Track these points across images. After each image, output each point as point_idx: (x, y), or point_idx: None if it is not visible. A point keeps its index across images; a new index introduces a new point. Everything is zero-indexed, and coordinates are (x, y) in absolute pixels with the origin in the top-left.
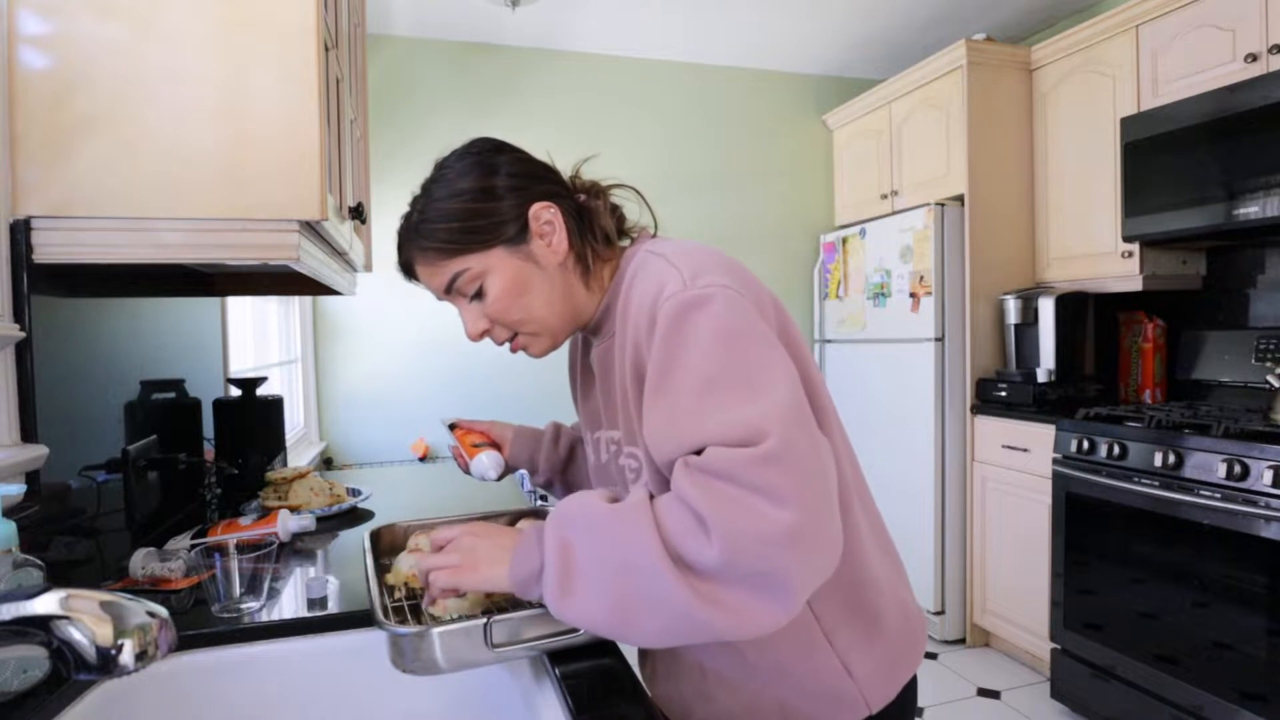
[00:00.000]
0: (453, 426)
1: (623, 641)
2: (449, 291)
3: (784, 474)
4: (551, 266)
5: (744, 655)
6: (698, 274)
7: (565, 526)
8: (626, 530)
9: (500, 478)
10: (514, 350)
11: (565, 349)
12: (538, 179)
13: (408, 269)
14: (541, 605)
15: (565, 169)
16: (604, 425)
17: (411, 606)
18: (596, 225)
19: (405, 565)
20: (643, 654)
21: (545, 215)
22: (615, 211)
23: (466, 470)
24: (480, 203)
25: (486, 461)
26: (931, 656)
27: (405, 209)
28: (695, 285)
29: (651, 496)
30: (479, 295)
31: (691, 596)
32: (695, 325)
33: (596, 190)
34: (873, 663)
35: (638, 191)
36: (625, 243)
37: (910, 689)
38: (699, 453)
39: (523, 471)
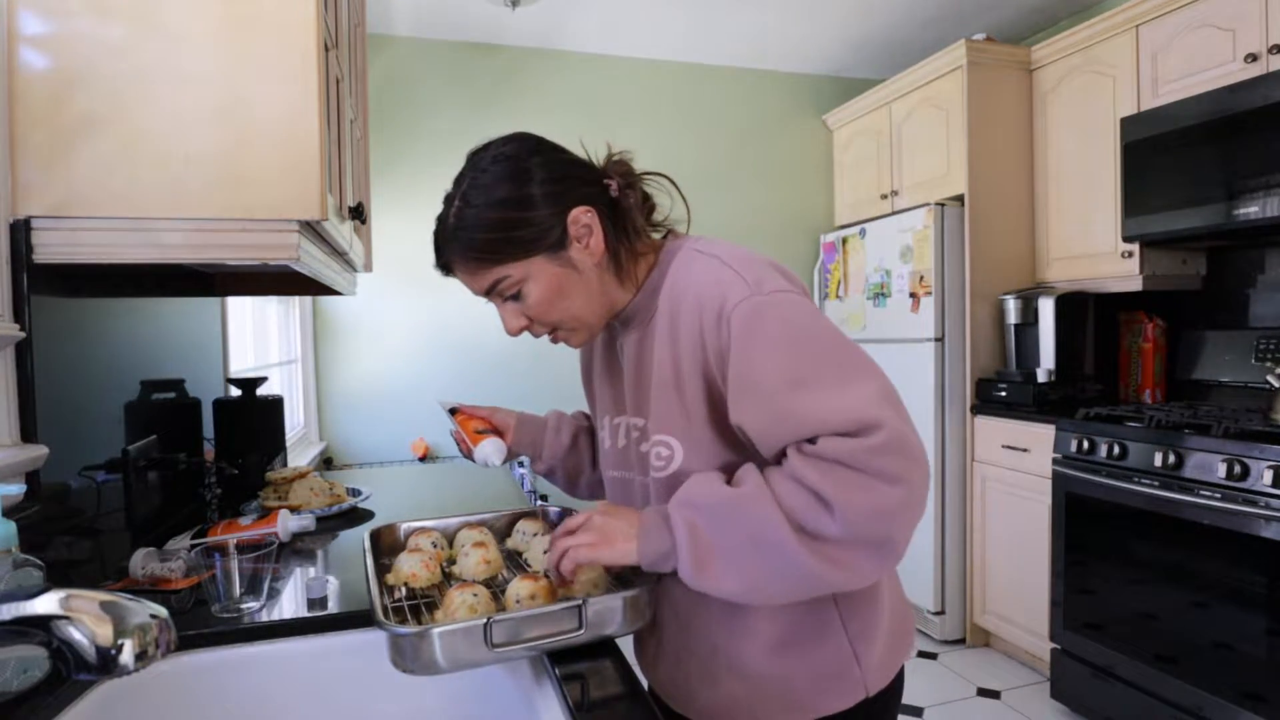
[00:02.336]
0: (454, 411)
1: (747, 603)
2: (488, 294)
3: (896, 459)
4: (589, 268)
5: (763, 637)
6: (760, 280)
7: (690, 509)
8: (755, 510)
9: (503, 463)
10: (554, 342)
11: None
12: (574, 181)
13: (446, 269)
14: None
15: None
16: (627, 411)
17: (411, 607)
18: (630, 222)
19: (406, 565)
20: (641, 638)
21: (584, 219)
22: (647, 201)
23: (468, 455)
24: (519, 212)
25: (490, 448)
26: (931, 656)
27: (440, 208)
28: (763, 291)
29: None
30: (517, 297)
31: (817, 560)
32: (777, 329)
33: (629, 178)
34: (876, 649)
35: (672, 181)
36: (657, 235)
37: (901, 675)
38: (811, 440)
39: (521, 471)
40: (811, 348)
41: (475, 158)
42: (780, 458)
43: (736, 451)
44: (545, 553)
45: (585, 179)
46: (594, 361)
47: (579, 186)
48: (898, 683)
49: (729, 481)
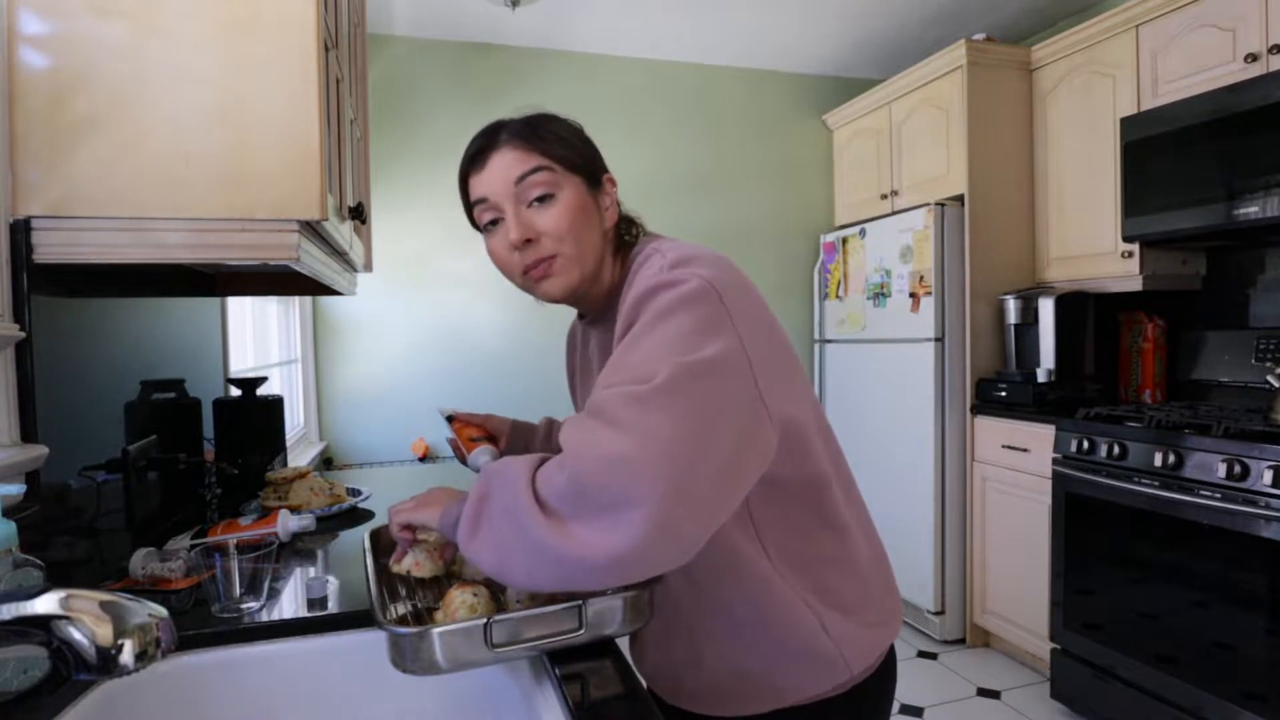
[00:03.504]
0: (450, 419)
1: (501, 579)
2: (520, 181)
3: (644, 413)
4: (605, 224)
5: (730, 615)
6: (678, 263)
7: (488, 478)
8: (514, 474)
9: None
10: (538, 277)
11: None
12: (601, 161)
13: (483, 152)
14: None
15: None
16: None
17: (412, 606)
18: (626, 230)
19: (410, 555)
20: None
21: (609, 187)
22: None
23: (463, 460)
24: (574, 138)
25: (483, 456)
26: (931, 656)
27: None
28: (670, 272)
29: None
30: (543, 200)
31: (550, 531)
32: (655, 302)
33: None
34: (849, 625)
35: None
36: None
37: (891, 661)
38: None
39: None
40: (670, 321)
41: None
42: None
43: None
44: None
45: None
46: (578, 364)
47: (604, 169)
48: (889, 667)
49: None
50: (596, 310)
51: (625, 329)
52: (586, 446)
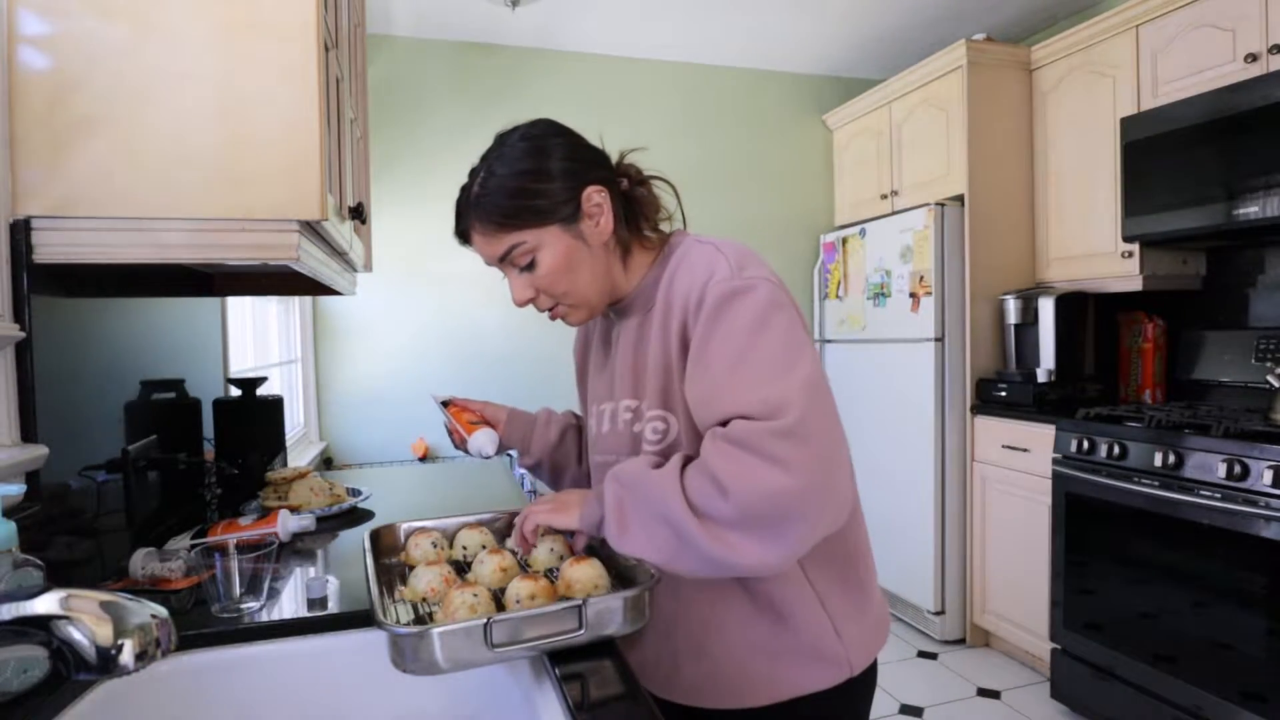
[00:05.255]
0: (446, 404)
1: (670, 571)
2: (502, 261)
3: (790, 444)
4: (597, 246)
5: (745, 609)
6: (744, 265)
7: (619, 484)
8: (660, 490)
9: (496, 454)
10: (553, 318)
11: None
12: (590, 164)
13: (464, 237)
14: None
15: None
16: (619, 396)
17: (412, 606)
18: (638, 213)
19: (424, 580)
20: None
21: (596, 198)
22: (653, 200)
23: (460, 446)
24: (538, 182)
25: (484, 439)
26: (931, 656)
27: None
28: (741, 275)
29: (686, 461)
30: (530, 267)
31: (710, 540)
32: (737, 309)
33: (640, 177)
34: (858, 628)
35: (673, 187)
36: (664, 228)
37: (876, 659)
38: (727, 423)
39: (521, 472)
40: (767, 332)
41: (502, 136)
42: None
43: None
44: (551, 552)
45: (601, 164)
46: (589, 354)
47: (594, 169)
48: (874, 665)
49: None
50: (625, 305)
51: (683, 325)
52: (748, 480)
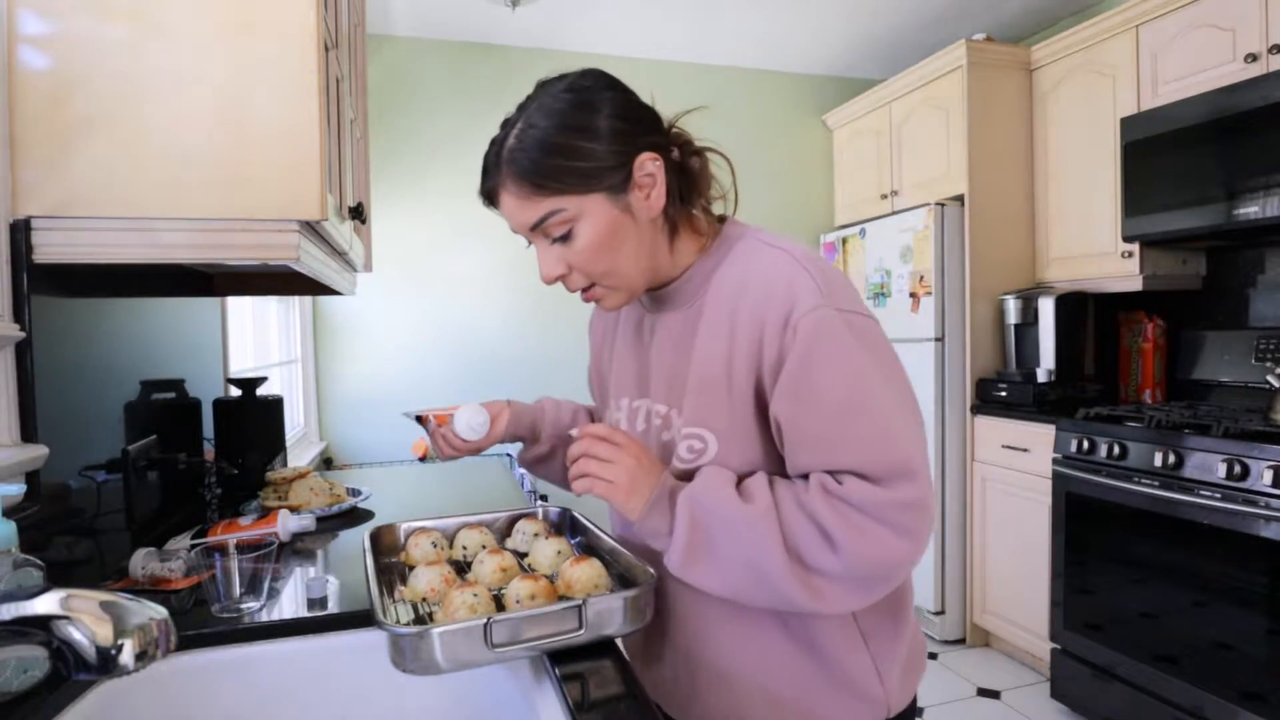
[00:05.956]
0: (420, 418)
1: (721, 598)
2: (533, 229)
3: (916, 516)
4: (644, 221)
5: (785, 645)
6: (833, 291)
7: (698, 507)
8: (756, 535)
9: (489, 436)
10: (587, 299)
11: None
12: (645, 125)
13: (490, 197)
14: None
15: None
16: (650, 395)
17: (412, 606)
18: (693, 187)
19: (424, 580)
20: (638, 639)
21: (649, 167)
22: (706, 173)
23: (450, 455)
24: (586, 141)
25: (468, 412)
26: (932, 656)
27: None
28: (837, 304)
29: (771, 483)
30: (565, 238)
31: (801, 589)
32: (843, 349)
33: (694, 148)
34: (899, 666)
35: (730, 163)
36: (710, 211)
37: (915, 698)
38: (834, 471)
39: (521, 471)
40: (872, 378)
41: (545, 84)
42: (802, 473)
43: (772, 454)
44: (558, 553)
45: (656, 127)
46: (615, 338)
47: (649, 132)
48: (914, 702)
49: (740, 484)
50: (666, 294)
51: (758, 343)
52: (865, 544)
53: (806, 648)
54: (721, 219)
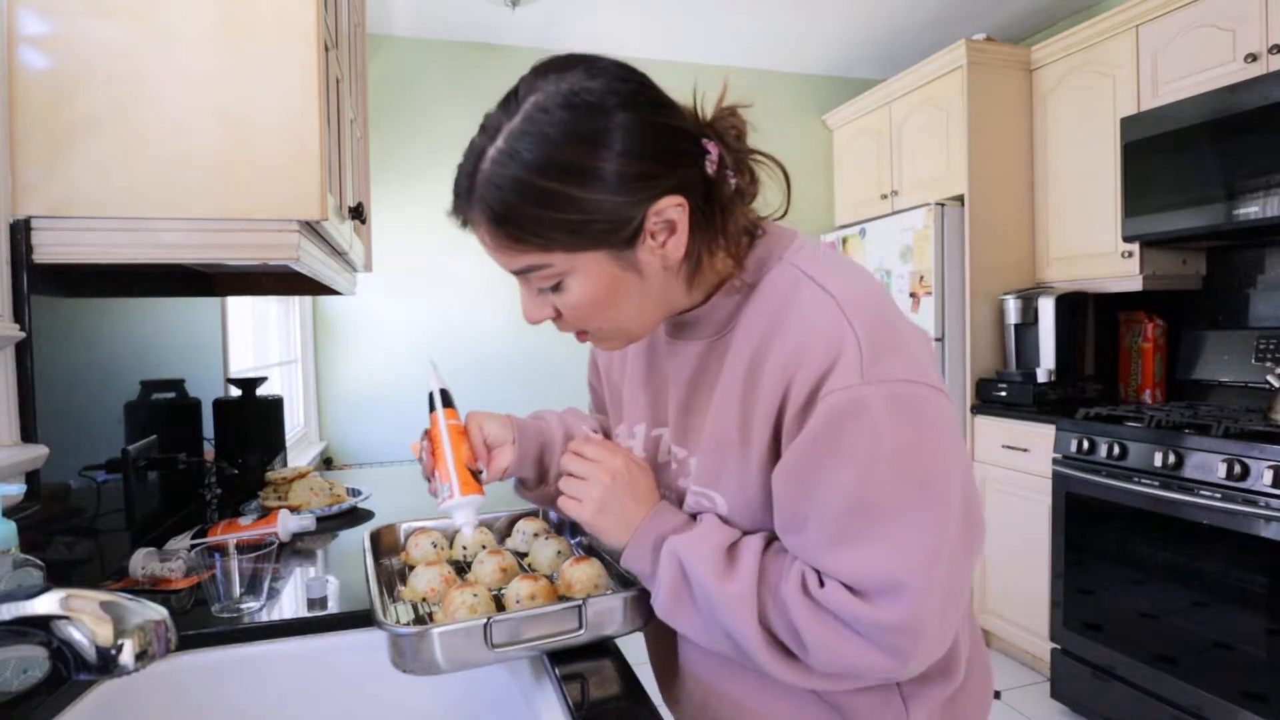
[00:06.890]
0: (444, 398)
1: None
2: (516, 273)
3: (902, 640)
4: (655, 272)
5: (816, 697)
6: (881, 356)
7: (685, 562)
8: (732, 615)
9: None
10: (580, 340)
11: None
12: (668, 159)
13: (462, 222)
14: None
15: None
16: (668, 425)
17: (412, 606)
18: (726, 218)
19: (423, 580)
20: (664, 670)
21: (671, 213)
22: (753, 184)
23: (428, 476)
24: (578, 189)
25: (465, 515)
26: None
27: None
28: (883, 373)
29: (763, 557)
30: (554, 288)
31: (785, 670)
32: (868, 438)
33: (738, 153)
34: (936, 712)
35: (786, 175)
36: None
37: None
38: (819, 572)
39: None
40: (889, 476)
41: (541, 78)
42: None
43: None
44: (558, 553)
45: (683, 156)
46: (626, 362)
47: (674, 168)
48: None
49: (734, 546)
50: (682, 321)
51: (778, 407)
52: (837, 652)
53: (830, 708)
54: (752, 231)
